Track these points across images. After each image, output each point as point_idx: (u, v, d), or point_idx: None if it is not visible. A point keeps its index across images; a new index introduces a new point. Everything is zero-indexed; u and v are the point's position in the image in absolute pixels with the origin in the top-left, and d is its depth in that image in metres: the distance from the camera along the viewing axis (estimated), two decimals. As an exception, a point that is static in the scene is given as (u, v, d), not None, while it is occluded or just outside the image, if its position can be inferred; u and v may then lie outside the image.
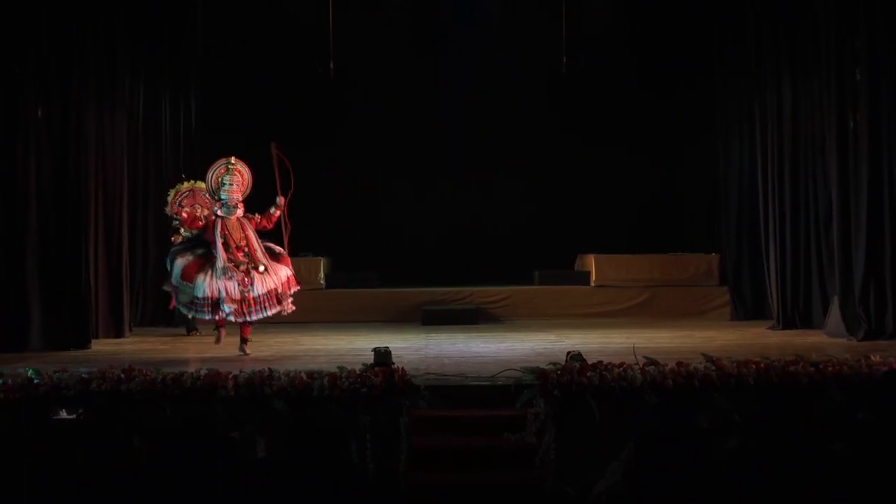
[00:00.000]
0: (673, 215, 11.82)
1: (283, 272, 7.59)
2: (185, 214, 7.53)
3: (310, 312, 9.49)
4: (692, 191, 11.60)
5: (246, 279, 7.36)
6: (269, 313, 7.48)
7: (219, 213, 7.59)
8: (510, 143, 11.87)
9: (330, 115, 11.64)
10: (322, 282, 10.80)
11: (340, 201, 11.81)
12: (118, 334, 8.94)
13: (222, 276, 7.31)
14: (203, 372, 5.62)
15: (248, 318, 7.39)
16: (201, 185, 8.44)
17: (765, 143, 9.49)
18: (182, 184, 9.06)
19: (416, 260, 11.71)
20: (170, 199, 8.97)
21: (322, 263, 10.83)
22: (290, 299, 7.59)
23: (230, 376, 5.55)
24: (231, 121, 10.87)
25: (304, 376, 5.54)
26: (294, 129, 11.07)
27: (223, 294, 7.27)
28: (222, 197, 7.61)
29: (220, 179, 7.64)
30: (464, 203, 12.01)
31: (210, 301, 7.28)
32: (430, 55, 11.76)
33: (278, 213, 7.70)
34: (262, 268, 7.44)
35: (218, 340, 7.83)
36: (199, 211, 8.28)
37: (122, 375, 5.55)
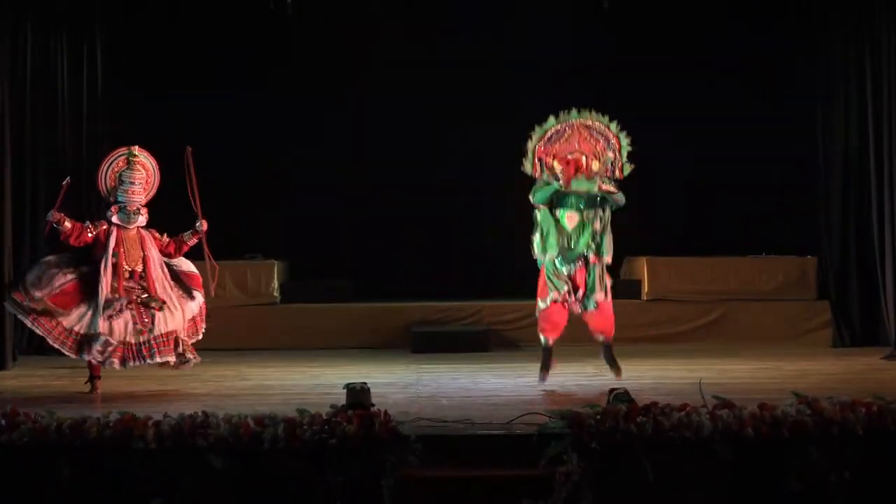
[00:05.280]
0: (753, 206, 11.79)
1: (190, 306, 7.75)
2: (67, 224, 7.53)
3: (259, 335, 9.51)
4: (778, 174, 11.56)
5: (144, 316, 7.49)
6: (161, 360, 7.58)
7: (114, 219, 7.70)
8: (532, 106, 11.74)
9: (284, 70, 11.58)
10: (276, 294, 10.84)
11: (300, 186, 11.78)
12: (-3, 365, 8.96)
13: (107, 314, 7.40)
14: (114, 417, 5.63)
15: (144, 361, 7.49)
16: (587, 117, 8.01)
17: (879, 111, 9.49)
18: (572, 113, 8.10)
19: (404, 265, 11.73)
20: (533, 142, 8.14)
21: (276, 269, 10.85)
22: (191, 345, 7.70)
23: (150, 423, 5.57)
24: (152, 85, 10.86)
25: (252, 423, 5.56)
26: (235, 89, 11.06)
27: (99, 332, 7.35)
28: (119, 199, 7.74)
29: (117, 176, 7.76)
30: (469, 188, 11.95)
31: (77, 336, 7.38)
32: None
33: (195, 240, 7.87)
34: (160, 306, 7.56)
35: (93, 390, 7.68)
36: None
37: (3, 421, 5.56)
